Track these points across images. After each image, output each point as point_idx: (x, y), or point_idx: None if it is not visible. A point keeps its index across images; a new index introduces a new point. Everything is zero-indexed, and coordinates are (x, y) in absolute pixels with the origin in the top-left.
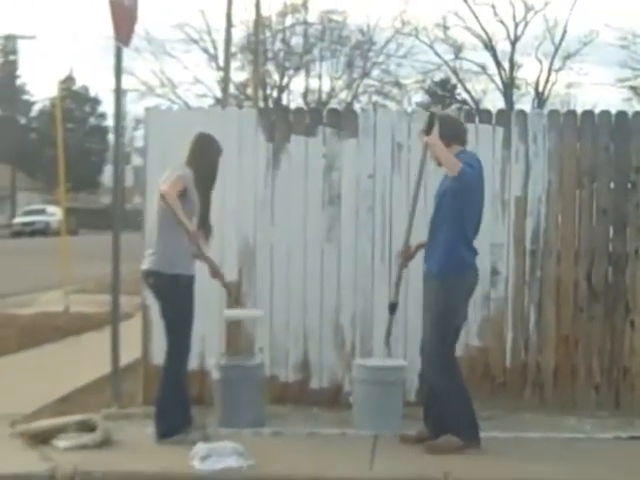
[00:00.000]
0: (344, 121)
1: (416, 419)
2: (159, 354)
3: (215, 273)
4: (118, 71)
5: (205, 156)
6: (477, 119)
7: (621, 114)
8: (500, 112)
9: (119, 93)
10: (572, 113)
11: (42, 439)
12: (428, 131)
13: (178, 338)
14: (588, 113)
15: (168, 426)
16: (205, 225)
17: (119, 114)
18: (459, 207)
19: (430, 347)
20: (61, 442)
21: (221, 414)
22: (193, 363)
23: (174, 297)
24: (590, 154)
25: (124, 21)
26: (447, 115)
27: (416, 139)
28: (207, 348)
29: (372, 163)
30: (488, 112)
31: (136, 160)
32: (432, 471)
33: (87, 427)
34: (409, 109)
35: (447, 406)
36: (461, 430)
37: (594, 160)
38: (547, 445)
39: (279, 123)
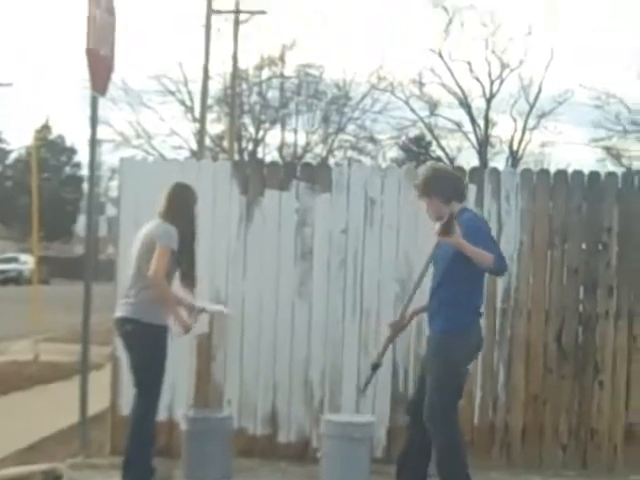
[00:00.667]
0: (318, 176)
1: (383, 475)
2: (127, 405)
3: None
4: (94, 120)
5: (183, 206)
6: None
7: (594, 174)
8: (473, 170)
9: (94, 142)
10: (545, 172)
11: None
12: (446, 231)
13: (149, 388)
14: (561, 172)
15: (136, 476)
16: (190, 276)
17: (93, 163)
18: (466, 270)
19: (432, 406)
20: None
21: (188, 466)
22: (162, 414)
23: (149, 346)
24: (562, 214)
25: (100, 70)
26: (444, 169)
27: (388, 195)
28: (176, 399)
29: (345, 218)
30: (461, 169)
31: (111, 210)
32: None
33: (52, 476)
34: (383, 165)
35: (442, 465)
36: None
37: (566, 220)
38: None
39: (253, 176)
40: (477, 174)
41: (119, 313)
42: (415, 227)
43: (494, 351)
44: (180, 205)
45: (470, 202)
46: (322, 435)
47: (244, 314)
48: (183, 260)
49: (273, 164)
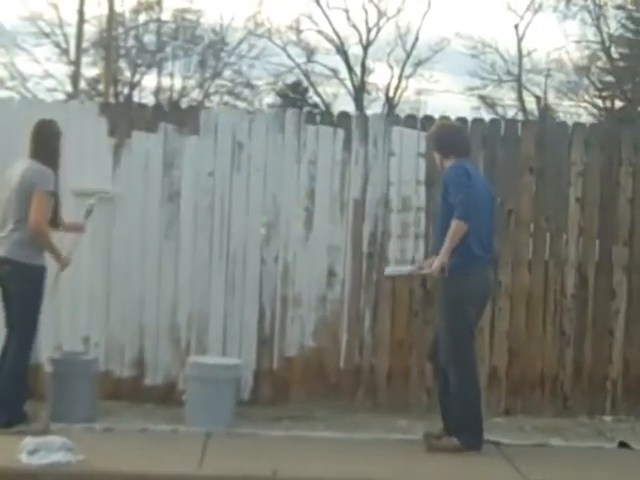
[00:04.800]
0: (186, 118)
1: (249, 417)
2: None
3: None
4: None
5: (47, 142)
6: (318, 120)
7: (460, 120)
8: (341, 114)
9: None
10: (412, 117)
11: None
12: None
13: (26, 328)
14: (428, 118)
15: (10, 417)
16: (56, 216)
17: None
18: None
19: (445, 346)
20: None
21: (53, 408)
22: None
23: (26, 287)
24: (429, 158)
25: None
26: (447, 127)
27: (256, 138)
28: (42, 341)
29: (212, 161)
30: (329, 114)
31: None
32: (261, 469)
33: None
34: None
35: (457, 406)
36: (464, 433)
37: (432, 164)
38: (377, 446)
39: (121, 118)
40: (345, 118)
41: None
42: (281, 171)
43: (360, 295)
44: (45, 142)
45: (338, 146)
46: (188, 377)
47: (111, 256)
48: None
49: (141, 106)
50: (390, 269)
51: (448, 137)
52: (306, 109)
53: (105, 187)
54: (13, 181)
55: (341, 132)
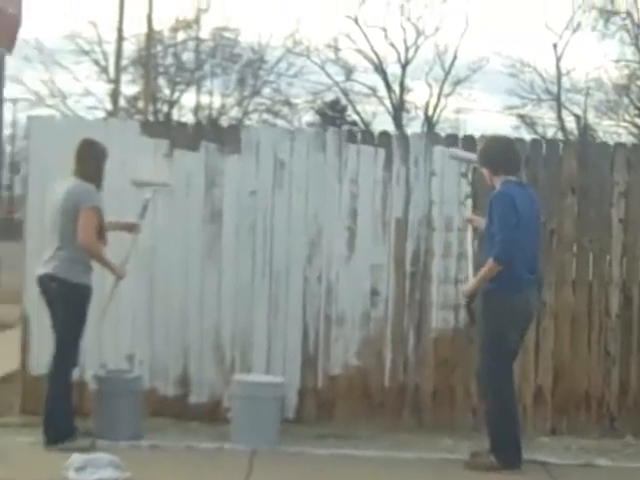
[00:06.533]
0: (227, 137)
1: (294, 436)
2: (38, 365)
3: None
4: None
5: (92, 162)
6: (359, 140)
7: None
8: (382, 134)
9: (0, 100)
10: (453, 137)
11: None
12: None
13: (68, 347)
14: (469, 137)
15: (57, 433)
16: (102, 232)
17: (1, 121)
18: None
19: (482, 364)
20: None
21: (99, 426)
22: (73, 374)
23: (73, 306)
24: (472, 177)
25: (8, 28)
26: (496, 142)
27: (297, 157)
28: (87, 359)
29: (254, 180)
30: (370, 133)
31: (25, 169)
32: None
33: None
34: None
35: (491, 425)
36: (502, 452)
37: (475, 183)
38: (421, 465)
39: (162, 137)
40: (386, 138)
41: (44, 270)
42: (323, 189)
43: (404, 313)
44: (89, 161)
45: (379, 166)
46: (232, 395)
47: (153, 276)
48: None
49: (182, 124)
50: (454, 150)
51: (497, 153)
52: (345, 127)
53: (163, 179)
54: (57, 200)
55: (382, 151)
